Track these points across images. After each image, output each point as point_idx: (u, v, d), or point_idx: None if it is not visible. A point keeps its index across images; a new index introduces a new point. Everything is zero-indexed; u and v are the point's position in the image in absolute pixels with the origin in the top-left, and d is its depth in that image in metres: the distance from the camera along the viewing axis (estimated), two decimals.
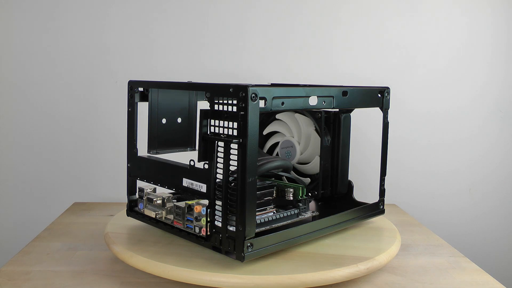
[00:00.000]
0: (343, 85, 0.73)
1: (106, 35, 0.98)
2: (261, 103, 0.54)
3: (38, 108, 0.99)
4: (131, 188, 0.69)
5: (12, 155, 0.99)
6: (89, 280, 0.60)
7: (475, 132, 1.05)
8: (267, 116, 0.80)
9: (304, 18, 1.00)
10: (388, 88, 0.73)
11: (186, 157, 0.64)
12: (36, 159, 1.00)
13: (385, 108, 0.73)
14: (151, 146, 0.68)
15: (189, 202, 0.61)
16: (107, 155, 1.00)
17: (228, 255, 0.58)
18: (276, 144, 0.79)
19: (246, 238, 0.54)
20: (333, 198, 0.76)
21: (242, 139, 0.52)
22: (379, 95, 0.72)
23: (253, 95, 0.52)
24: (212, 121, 0.57)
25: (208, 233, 0.58)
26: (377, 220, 0.77)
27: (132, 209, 0.69)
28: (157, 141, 0.69)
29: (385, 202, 1.03)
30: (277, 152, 0.79)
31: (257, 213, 0.61)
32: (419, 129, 1.04)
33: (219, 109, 0.56)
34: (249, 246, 0.54)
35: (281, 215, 0.63)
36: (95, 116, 0.99)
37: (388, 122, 0.74)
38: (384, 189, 0.76)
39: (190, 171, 0.60)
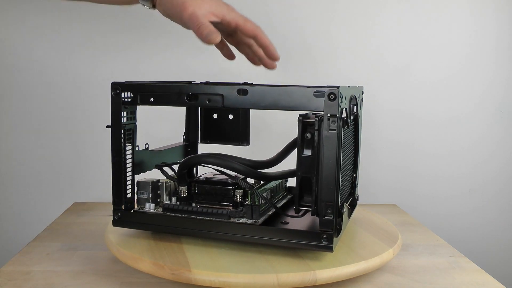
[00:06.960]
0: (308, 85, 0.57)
1: (109, 35, 0.98)
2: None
3: (38, 107, 0.98)
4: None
5: (12, 155, 0.99)
6: (89, 280, 0.60)
7: (475, 133, 1.05)
8: None
9: (305, 18, 1.00)
10: (336, 87, 0.54)
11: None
12: (36, 159, 1.00)
13: (326, 113, 0.55)
14: (203, 138, 0.79)
15: None
16: (107, 155, 0.99)
17: None
18: None
19: (115, 208, 0.64)
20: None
21: (112, 125, 0.64)
22: (317, 97, 0.55)
23: (117, 90, 0.62)
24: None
25: None
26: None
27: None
28: (209, 133, 0.79)
29: (385, 202, 1.03)
30: None
31: (202, 205, 0.67)
32: (420, 129, 1.04)
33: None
34: (119, 215, 0.64)
35: (207, 210, 0.63)
36: (95, 116, 0.99)
37: (335, 132, 0.54)
38: (331, 220, 0.56)
39: None
